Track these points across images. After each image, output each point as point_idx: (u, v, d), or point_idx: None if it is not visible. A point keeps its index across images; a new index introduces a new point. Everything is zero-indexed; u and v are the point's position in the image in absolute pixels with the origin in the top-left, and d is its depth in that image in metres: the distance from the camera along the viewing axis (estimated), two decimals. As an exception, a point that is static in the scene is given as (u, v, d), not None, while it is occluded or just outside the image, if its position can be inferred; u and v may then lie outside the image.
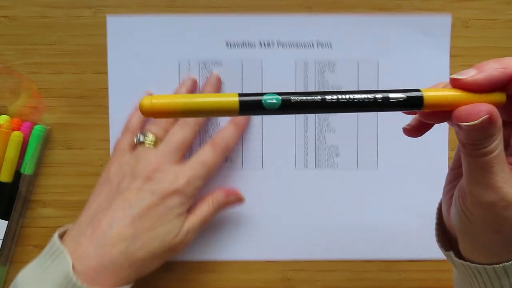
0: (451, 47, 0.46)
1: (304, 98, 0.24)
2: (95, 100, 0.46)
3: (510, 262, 0.27)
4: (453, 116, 0.25)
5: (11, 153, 0.43)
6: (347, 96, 0.25)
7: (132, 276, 0.37)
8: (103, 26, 0.46)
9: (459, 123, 0.24)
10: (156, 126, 0.41)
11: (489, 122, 0.24)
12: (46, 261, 0.35)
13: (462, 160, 0.26)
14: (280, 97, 0.24)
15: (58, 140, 0.45)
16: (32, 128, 0.44)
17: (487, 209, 0.26)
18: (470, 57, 0.46)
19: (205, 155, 0.40)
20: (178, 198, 0.38)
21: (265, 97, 0.24)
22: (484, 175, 0.25)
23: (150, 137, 0.40)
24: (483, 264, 0.28)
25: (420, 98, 0.25)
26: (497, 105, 0.25)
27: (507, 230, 0.26)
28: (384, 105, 0.25)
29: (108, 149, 0.45)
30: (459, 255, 0.30)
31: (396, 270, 0.45)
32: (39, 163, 0.45)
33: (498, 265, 0.27)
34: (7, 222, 0.43)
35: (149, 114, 0.23)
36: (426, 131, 0.29)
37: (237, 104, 0.24)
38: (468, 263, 0.29)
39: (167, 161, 0.39)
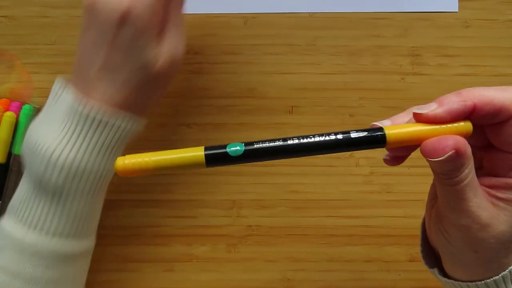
0: (451, 47, 0.46)
1: (267, 144, 0.25)
2: (95, 100, 0.46)
3: (492, 279, 0.28)
4: (421, 151, 0.25)
5: (4, 134, 0.43)
6: (309, 140, 0.25)
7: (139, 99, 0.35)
8: (103, 26, 0.46)
9: (429, 159, 0.25)
10: None
11: (456, 155, 0.24)
12: (49, 106, 0.35)
13: (436, 186, 0.27)
14: (243, 146, 0.25)
15: (58, 140, 0.45)
16: (21, 108, 0.44)
17: (463, 232, 0.26)
18: (470, 57, 0.46)
19: None
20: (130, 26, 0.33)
21: (229, 147, 0.25)
22: (457, 201, 0.26)
23: None
24: (465, 281, 0.29)
25: (383, 136, 0.25)
26: (463, 135, 0.25)
27: (484, 250, 0.27)
28: (347, 144, 0.25)
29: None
30: (444, 272, 0.31)
31: (396, 270, 0.45)
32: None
33: (480, 282, 0.28)
34: (0, 202, 0.43)
35: (124, 173, 0.25)
36: (407, 157, 0.29)
37: (203, 158, 0.25)
38: (452, 280, 0.29)
39: None
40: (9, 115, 0.43)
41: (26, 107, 0.44)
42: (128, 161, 0.25)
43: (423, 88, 0.46)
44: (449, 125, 0.25)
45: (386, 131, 0.25)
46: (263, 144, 0.25)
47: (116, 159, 0.26)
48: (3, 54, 0.44)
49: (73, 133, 0.32)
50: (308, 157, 0.44)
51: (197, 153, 0.25)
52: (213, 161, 0.25)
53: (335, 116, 0.46)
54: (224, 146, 0.25)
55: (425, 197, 0.32)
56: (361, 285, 0.45)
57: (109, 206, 0.46)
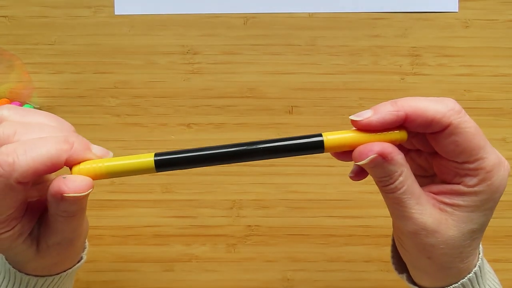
0: (451, 47, 0.46)
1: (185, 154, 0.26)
2: (95, 100, 0.46)
3: (452, 286, 0.28)
4: (352, 157, 0.26)
5: None
6: (252, 147, 0.26)
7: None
8: (103, 26, 0.46)
9: (356, 163, 0.26)
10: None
11: (382, 160, 0.25)
12: None
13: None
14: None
15: (58, 140, 0.46)
16: None
17: (412, 238, 0.27)
18: (470, 57, 0.46)
19: None
20: None
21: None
22: (399, 209, 0.26)
23: None
24: None
25: (321, 142, 0.26)
26: (397, 142, 0.26)
27: (437, 256, 0.27)
28: (287, 150, 0.26)
29: (108, 148, 0.45)
30: (411, 279, 0.31)
31: (396, 270, 0.45)
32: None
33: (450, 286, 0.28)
34: None
35: None
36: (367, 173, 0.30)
37: (153, 164, 0.26)
38: (417, 287, 0.30)
39: None
40: (9, 115, 0.43)
41: (26, 107, 0.44)
42: (83, 167, 0.27)
43: (423, 88, 0.46)
44: (384, 133, 0.26)
45: (324, 137, 0.26)
46: (183, 155, 0.26)
47: None
48: (3, 54, 0.44)
49: None
50: (308, 157, 0.44)
51: (147, 159, 0.26)
52: (162, 167, 0.26)
53: (335, 116, 0.46)
54: (171, 153, 0.26)
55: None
56: (361, 285, 0.45)
57: (109, 206, 0.46)
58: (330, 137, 0.26)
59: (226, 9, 0.46)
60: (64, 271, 0.30)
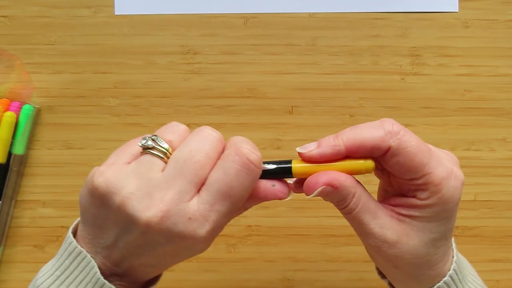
0: (451, 47, 0.46)
1: None
2: (95, 100, 0.46)
3: None
4: (303, 190, 0.27)
5: (4, 134, 0.43)
6: None
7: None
8: (103, 26, 0.46)
9: (307, 196, 0.27)
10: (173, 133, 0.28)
11: (332, 189, 0.26)
12: (65, 264, 0.29)
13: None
14: None
15: (57, 140, 0.46)
16: (21, 108, 0.44)
17: (377, 251, 0.28)
18: (470, 57, 0.46)
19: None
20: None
21: None
22: (358, 226, 0.28)
23: (164, 145, 0.27)
24: None
25: (289, 168, 0.27)
26: (364, 172, 0.27)
27: (403, 265, 0.28)
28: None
29: (108, 149, 0.45)
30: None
31: (396, 270, 0.45)
32: (39, 162, 0.45)
33: None
34: (0, 203, 0.43)
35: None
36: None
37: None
38: None
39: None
40: (9, 115, 0.43)
41: (26, 107, 0.44)
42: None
43: (423, 88, 0.46)
44: (350, 162, 0.27)
45: (293, 165, 0.27)
46: None
47: None
48: (3, 54, 0.44)
49: (58, 267, 0.28)
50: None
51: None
52: None
53: (335, 116, 0.46)
54: None
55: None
56: (361, 285, 0.45)
57: (109, 206, 0.46)
58: (297, 166, 0.27)
59: (226, 9, 0.46)
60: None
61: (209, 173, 0.26)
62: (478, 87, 0.45)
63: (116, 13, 0.46)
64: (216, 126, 0.46)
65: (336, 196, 0.27)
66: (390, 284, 0.32)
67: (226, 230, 0.46)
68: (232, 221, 0.46)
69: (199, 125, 0.46)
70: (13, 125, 0.44)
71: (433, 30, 0.46)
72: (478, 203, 0.45)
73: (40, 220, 0.45)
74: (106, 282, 0.27)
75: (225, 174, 0.25)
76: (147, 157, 0.26)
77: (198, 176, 0.25)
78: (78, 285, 0.27)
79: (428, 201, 0.26)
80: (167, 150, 0.26)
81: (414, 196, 0.27)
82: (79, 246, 0.27)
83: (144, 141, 0.26)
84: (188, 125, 0.46)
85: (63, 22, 0.46)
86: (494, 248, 0.45)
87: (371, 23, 0.46)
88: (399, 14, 0.46)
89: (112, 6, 0.46)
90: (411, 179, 0.26)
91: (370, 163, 0.27)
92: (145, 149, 0.26)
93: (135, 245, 0.26)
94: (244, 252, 0.46)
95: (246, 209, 0.29)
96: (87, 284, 0.27)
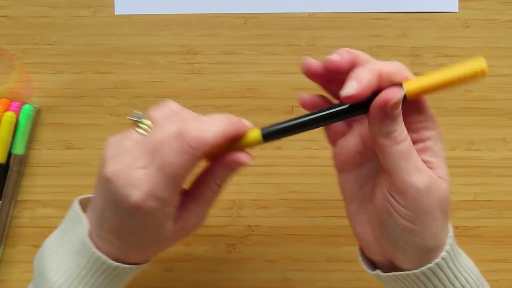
0: (451, 47, 0.46)
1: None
2: (95, 100, 0.46)
3: (426, 266, 0.29)
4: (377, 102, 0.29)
5: (4, 134, 0.43)
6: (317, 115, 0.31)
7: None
8: (103, 26, 0.46)
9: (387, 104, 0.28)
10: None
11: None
12: (67, 226, 0.33)
13: (384, 161, 0.28)
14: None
15: (57, 140, 0.46)
16: (21, 108, 0.44)
17: (420, 194, 0.27)
18: (470, 57, 0.45)
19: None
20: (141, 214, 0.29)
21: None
22: (408, 161, 0.28)
23: (146, 122, 0.30)
24: (406, 270, 0.30)
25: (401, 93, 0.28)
26: (480, 74, 0.27)
27: (434, 213, 0.28)
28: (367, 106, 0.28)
29: (108, 149, 0.45)
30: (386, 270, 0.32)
31: (396, 270, 0.45)
32: (39, 162, 0.45)
33: (417, 270, 0.29)
34: (0, 202, 0.43)
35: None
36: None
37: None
38: (394, 272, 0.30)
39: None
40: (9, 115, 0.43)
41: (26, 107, 0.44)
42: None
43: (423, 88, 0.46)
44: (460, 66, 0.27)
45: (404, 86, 0.29)
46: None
47: None
48: (3, 54, 0.45)
49: (79, 273, 0.31)
50: (308, 156, 0.44)
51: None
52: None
53: (335, 116, 0.46)
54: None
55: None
56: (361, 285, 0.45)
57: (109, 206, 0.46)
58: (409, 87, 0.28)
59: (226, 9, 0.46)
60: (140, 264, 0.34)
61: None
62: (478, 87, 0.45)
63: (116, 13, 0.46)
64: (216, 126, 0.46)
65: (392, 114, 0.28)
66: (383, 270, 0.32)
67: (226, 230, 0.46)
68: (232, 221, 0.46)
69: (199, 125, 0.46)
70: (13, 125, 0.44)
71: (433, 30, 0.46)
72: (478, 203, 0.45)
73: (40, 220, 0.45)
74: (88, 241, 0.30)
75: (168, 151, 0.28)
76: (130, 129, 0.30)
77: (155, 151, 0.28)
78: (73, 243, 0.32)
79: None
80: (148, 126, 0.30)
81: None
82: (80, 211, 0.32)
83: (133, 116, 0.31)
84: (188, 125, 0.46)
85: (63, 22, 0.46)
86: (494, 248, 0.45)
87: (371, 23, 0.46)
88: (399, 14, 0.46)
89: (112, 6, 0.46)
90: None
91: (483, 62, 0.26)
92: (133, 123, 0.31)
93: (103, 206, 0.30)
94: (244, 252, 0.46)
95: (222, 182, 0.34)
96: (78, 242, 0.31)
